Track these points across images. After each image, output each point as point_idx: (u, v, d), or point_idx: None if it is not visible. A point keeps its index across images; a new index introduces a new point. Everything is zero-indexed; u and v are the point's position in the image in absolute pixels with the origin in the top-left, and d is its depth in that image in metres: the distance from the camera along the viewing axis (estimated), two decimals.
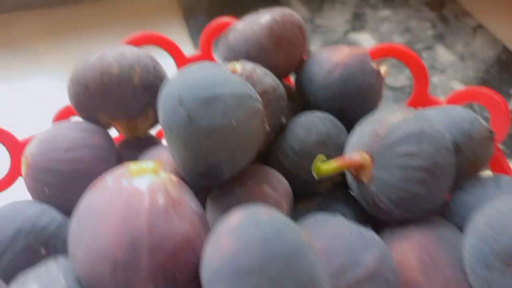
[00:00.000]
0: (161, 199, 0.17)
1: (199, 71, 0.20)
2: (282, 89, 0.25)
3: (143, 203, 0.16)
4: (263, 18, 0.26)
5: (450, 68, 0.57)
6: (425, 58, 0.58)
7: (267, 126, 0.22)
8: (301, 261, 0.15)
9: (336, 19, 0.63)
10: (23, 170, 0.24)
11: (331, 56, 0.27)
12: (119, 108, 0.25)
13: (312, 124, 0.25)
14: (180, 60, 0.30)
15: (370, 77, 0.26)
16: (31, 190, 0.24)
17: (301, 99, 0.29)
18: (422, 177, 0.21)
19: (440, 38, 0.61)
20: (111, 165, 0.24)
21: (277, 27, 0.26)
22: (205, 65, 0.21)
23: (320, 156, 0.22)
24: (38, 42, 0.57)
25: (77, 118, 0.27)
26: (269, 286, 0.14)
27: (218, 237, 0.16)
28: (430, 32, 0.62)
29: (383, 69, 0.27)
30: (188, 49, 0.57)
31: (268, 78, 0.24)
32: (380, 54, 0.29)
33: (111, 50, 0.25)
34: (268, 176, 0.22)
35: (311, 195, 0.27)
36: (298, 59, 0.28)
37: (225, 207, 0.20)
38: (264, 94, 0.24)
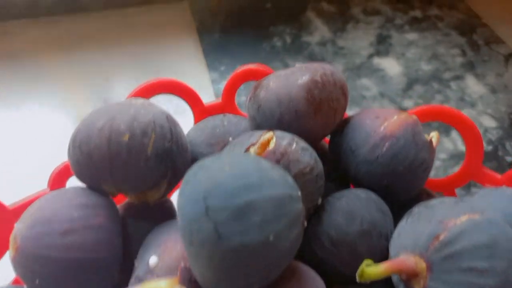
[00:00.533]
0: None
1: (229, 166, 0.16)
2: (320, 166, 0.21)
3: None
4: (301, 77, 0.22)
5: (480, 101, 0.53)
6: (454, 90, 0.54)
7: (305, 222, 0.18)
8: None
9: (360, 40, 0.59)
10: (11, 253, 0.20)
11: (377, 125, 0.23)
12: (128, 181, 0.21)
13: (354, 209, 0.21)
14: (199, 109, 0.27)
15: (423, 152, 0.22)
16: (20, 277, 0.20)
17: (336, 166, 0.25)
18: None
19: (470, 66, 0.57)
20: (114, 251, 0.20)
21: (317, 90, 0.22)
22: (234, 156, 0.17)
23: (367, 261, 0.18)
24: (40, 54, 0.53)
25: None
26: None
27: None
28: (459, 60, 0.58)
29: (434, 138, 0.24)
30: (201, 69, 0.53)
31: (306, 155, 0.20)
32: (427, 117, 0.25)
33: (121, 112, 0.21)
34: (302, 283, 0.18)
35: (345, 284, 0.23)
36: (337, 122, 0.24)
37: None
38: (300, 175, 0.20)
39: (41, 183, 0.27)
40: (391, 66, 0.56)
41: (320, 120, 0.22)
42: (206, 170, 0.16)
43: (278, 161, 0.19)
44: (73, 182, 0.25)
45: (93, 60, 0.53)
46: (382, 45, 0.59)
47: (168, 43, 0.56)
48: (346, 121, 0.24)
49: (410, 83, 0.54)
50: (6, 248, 0.23)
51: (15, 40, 0.54)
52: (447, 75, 0.56)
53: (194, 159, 0.24)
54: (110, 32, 0.55)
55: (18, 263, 0.20)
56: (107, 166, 0.21)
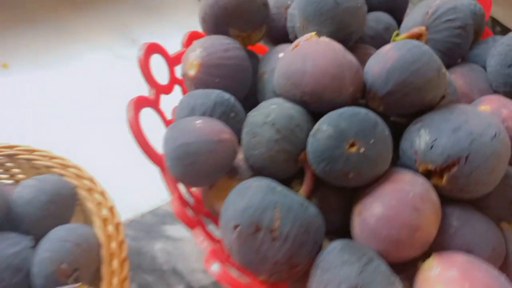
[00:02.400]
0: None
1: None
2: None
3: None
4: None
5: None
6: None
7: None
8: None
9: None
10: (192, 71, 0.33)
11: None
12: (248, 23, 0.35)
13: None
14: None
15: None
16: (202, 83, 0.33)
17: None
18: (459, 32, 0.34)
19: None
20: (249, 61, 0.34)
21: None
22: None
23: (396, 32, 0.34)
24: (73, 13, 0.62)
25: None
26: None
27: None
28: None
29: None
30: None
31: None
32: None
33: None
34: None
35: None
36: None
37: None
38: None
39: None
40: None
41: None
42: None
43: None
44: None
45: (116, 13, 0.64)
46: None
47: None
48: None
49: None
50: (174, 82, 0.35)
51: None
52: None
53: None
54: None
55: (202, 73, 0.33)
56: (235, 14, 0.34)
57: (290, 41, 0.37)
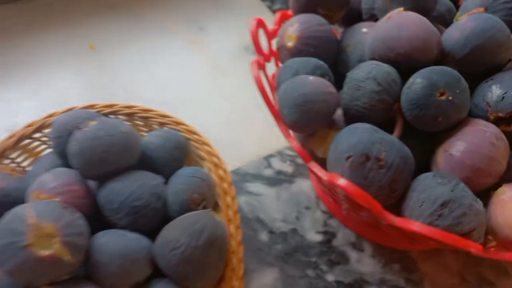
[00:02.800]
0: None
1: None
2: None
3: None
4: None
5: None
6: None
7: None
8: None
9: None
10: (290, 43, 0.40)
11: None
12: (335, 3, 0.41)
13: None
14: None
15: None
16: (298, 53, 0.40)
17: None
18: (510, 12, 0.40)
19: None
20: (335, 35, 0.41)
21: None
22: None
23: None
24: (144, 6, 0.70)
25: None
26: None
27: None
28: None
29: None
30: None
31: None
32: None
33: None
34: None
35: None
36: None
37: None
38: None
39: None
40: None
41: None
42: None
43: None
44: None
45: (187, 4, 0.71)
46: None
47: None
48: None
49: None
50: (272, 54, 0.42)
51: None
52: None
53: None
54: None
55: (299, 44, 0.39)
56: None
57: (363, 21, 0.43)
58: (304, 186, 0.51)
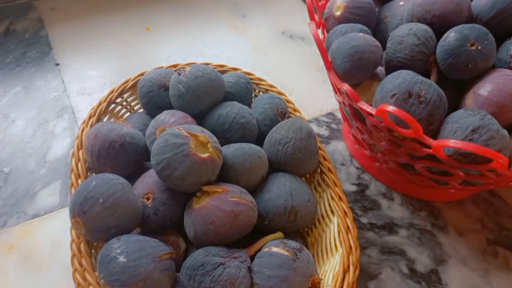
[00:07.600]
0: None
1: None
2: None
3: None
4: None
5: None
6: None
7: None
8: None
9: None
10: (339, 12, 0.47)
11: None
12: None
13: None
14: None
15: None
16: (345, 20, 0.47)
17: None
18: None
19: None
20: (375, 7, 0.48)
21: None
22: None
23: None
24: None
25: None
26: None
27: None
28: None
29: None
30: None
31: None
32: None
33: None
34: None
35: None
36: None
37: None
38: None
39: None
40: None
41: None
42: None
43: None
44: None
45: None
46: None
47: None
48: None
49: None
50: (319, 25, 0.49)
51: None
52: None
53: None
54: None
55: (345, 15, 0.46)
56: None
57: None
58: (340, 146, 0.58)
